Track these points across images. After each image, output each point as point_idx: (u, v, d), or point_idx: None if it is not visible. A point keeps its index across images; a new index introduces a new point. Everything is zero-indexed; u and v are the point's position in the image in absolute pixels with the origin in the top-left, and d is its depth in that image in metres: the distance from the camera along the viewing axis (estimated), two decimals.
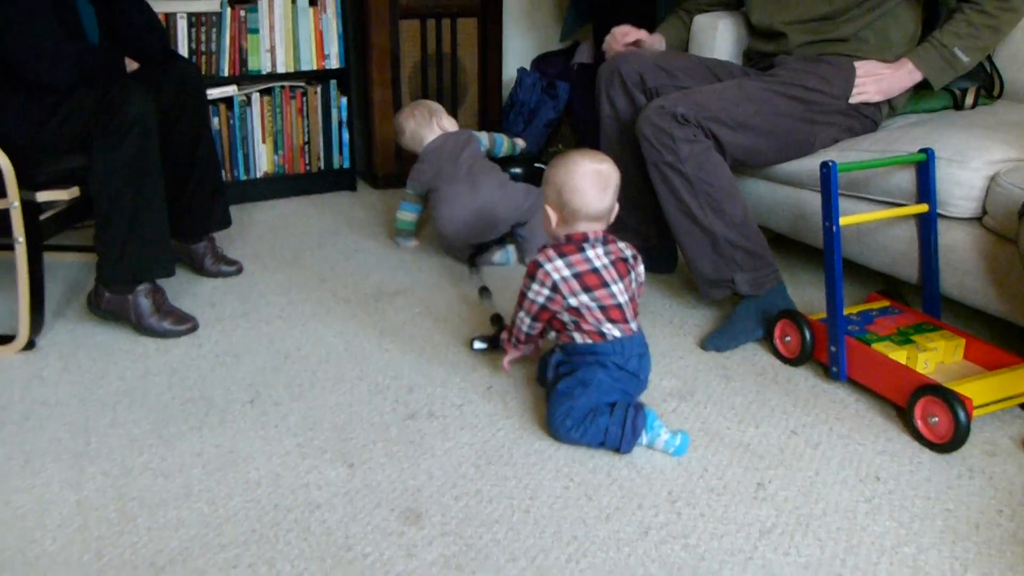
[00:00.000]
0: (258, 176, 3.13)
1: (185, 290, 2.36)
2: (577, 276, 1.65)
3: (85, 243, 2.58)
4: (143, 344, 2.09)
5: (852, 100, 2.13)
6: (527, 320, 1.73)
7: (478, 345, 2.04)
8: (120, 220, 2.04)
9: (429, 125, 2.67)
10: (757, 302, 2.07)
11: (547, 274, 1.65)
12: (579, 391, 1.65)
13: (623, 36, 2.37)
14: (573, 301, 1.65)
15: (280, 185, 3.17)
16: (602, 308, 1.65)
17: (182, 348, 2.08)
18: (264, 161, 3.12)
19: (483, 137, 2.71)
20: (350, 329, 2.17)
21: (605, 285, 1.66)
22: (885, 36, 2.16)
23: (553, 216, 1.69)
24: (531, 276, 1.68)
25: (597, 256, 1.67)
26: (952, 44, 2.05)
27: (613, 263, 1.68)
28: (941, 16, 2.18)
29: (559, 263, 1.66)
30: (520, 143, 2.82)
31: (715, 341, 2.06)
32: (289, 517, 1.48)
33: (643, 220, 2.34)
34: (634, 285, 1.73)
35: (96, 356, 2.03)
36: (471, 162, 2.58)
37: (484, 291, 2.34)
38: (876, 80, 2.12)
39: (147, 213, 2.06)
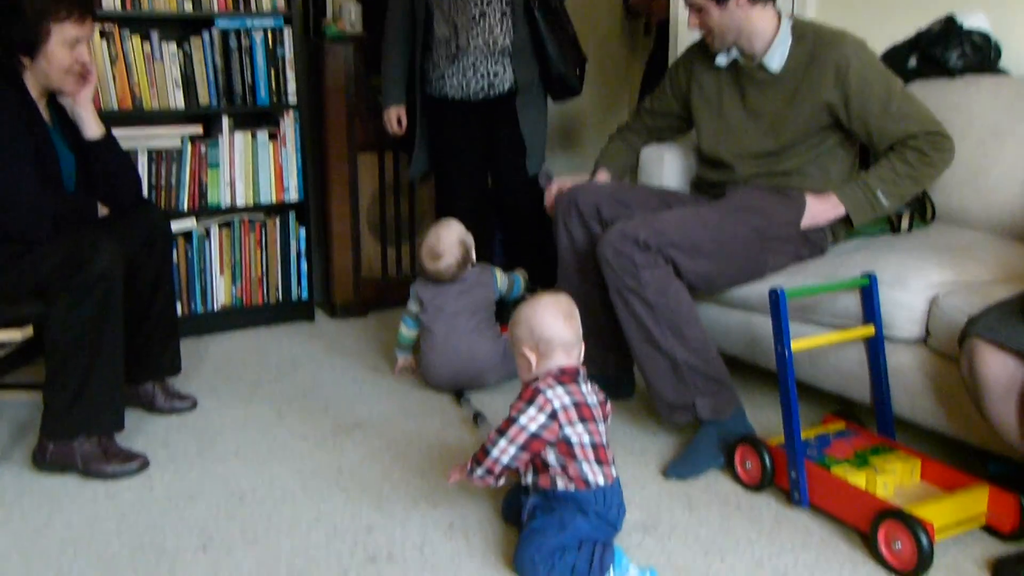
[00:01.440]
0: (215, 308, 3.12)
1: (137, 428, 2.31)
2: (576, 406, 1.63)
3: (37, 379, 2.52)
4: (91, 488, 2.02)
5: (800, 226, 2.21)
6: (511, 450, 1.61)
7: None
8: (73, 373, 2.01)
9: (466, 266, 2.57)
10: (717, 428, 2.08)
11: (548, 400, 1.61)
12: (553, 531, 1.62)
13: (565, 184, 2.45)
14: (569, 431, 1.61)
15: (237, 317, 3.16)
16: (593, 445, 1.64)
17: (133, 491, 2.01)
18: (221, 293, 3.12)
19: (500, 279, 2.63)
20: (307, 467, 2.13)
21: (595, 420, 1.65)
22: (826, 171, 2.27)
23: (531, 356, 1.68)
24: (529, 401, 1.62)
25: (589, 392, 1.69)
26: (876, 187, 2.17)
27: (598, 403, 1.70)
28: (871, 159, 2.31)
29: (560, 390, 1.63)
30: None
31: (677, 469, 2.06)
32: None
33: (602, 348, 2.37)
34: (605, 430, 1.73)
35: (41, 503, 1.96)
36: (466, 307, 2.53)
37: (479, 417, 2.33)
38: (805, 210, 2.21)
39: (102, 368, 2.04)
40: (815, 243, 2.24)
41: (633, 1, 3.92)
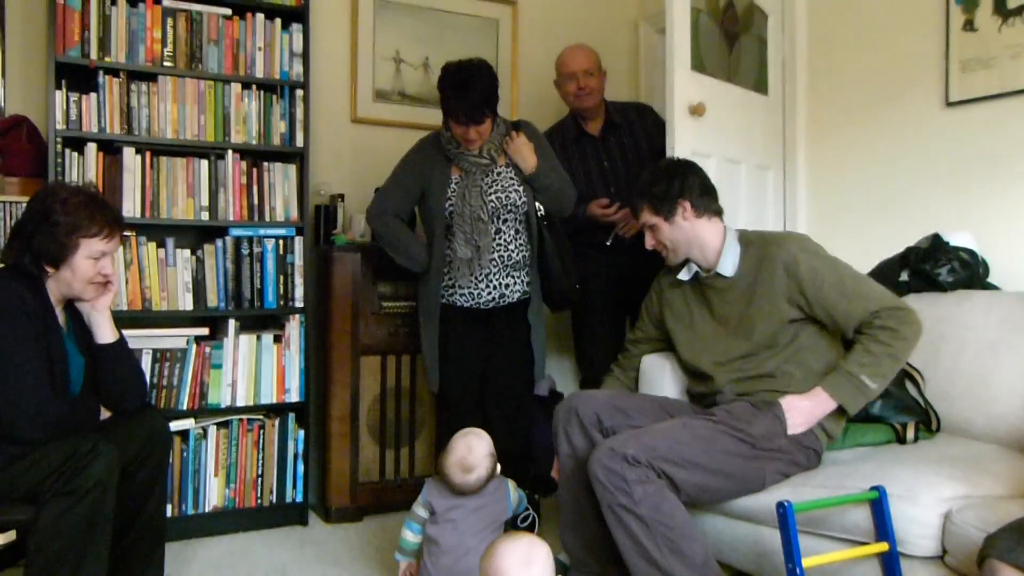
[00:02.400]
0: (207, 510, 3.03)
1: None
2: None
3: None
4: None
5: (789, 432, 2.19)
6: None
7: None
8: None
9: (492, 477, 2.44)
10: None
11: None
12: None
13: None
14: None
15: (229, 519, 3.06)
16: None
17: None
18: (214, 495, 3.04)
19: (513, 494, 2.49)
20: None
21: None
22: (808, 368, 2.28)
23: None
24: None
25: None
26: (858, 372, 2.18)
27: None
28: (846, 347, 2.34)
29: None
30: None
31: None
32: None
33: (603, 562, 2.28)
34: None
35: None
36: (478, 522, 2.39)
37: None
38: (797, 412, 2.21)
39: None
40: (809, 447, 2.22)
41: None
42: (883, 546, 1.94)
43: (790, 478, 2.20)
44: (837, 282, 2.23)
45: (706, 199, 2.40)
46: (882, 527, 1.95)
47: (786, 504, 1.82)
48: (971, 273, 2.60)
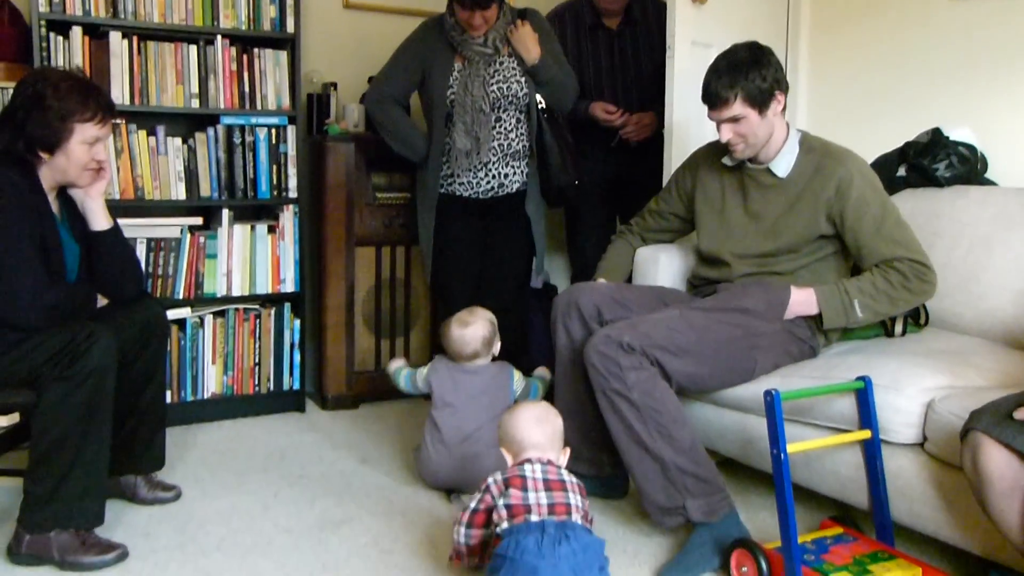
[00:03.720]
0: (205, 397, 3.09)
1: (117, 518, 2.25)
2: (505, 480, 1.81)
3: (20, 465, 2.47)
4: None
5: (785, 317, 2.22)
6: (462, 530, 1.86)
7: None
8: (56, 465, 1.98)
9: (488, 351, 2.54)
10: (711, 530, 2.03)
11: (485, 480, 1.84)
12: None
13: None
14: (498, 502, 1.78)
15: (227, 406, 3.13)
16: (507, 507, 1.76)
17: None
18: (212, 382, 3.10)
19: (517, 380, 2.56)
20: (291, 562, 2.07)
21: (524, 489, 1.77)
22: (819, 276, 2.30)
23: (507, 455, 1.90)
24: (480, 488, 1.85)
25: (532, 471, 1.82)
26: (854, 295, 2.19)
27: (546, 480, 1.80)
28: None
29: (498, 475, 1.84)
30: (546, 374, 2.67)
31: (671, 572, 2.01)
32: None
33: (596, 449, 2.34)
34: (572, 503, 1.78)
35: None
36: (478, 408, 2.45)
37: None
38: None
39: (87, 460, 2.01)
40: (804, 341, 2.25)
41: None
42: (866, 433, 1.99)
43: (779, 368, 2.24)
44: (879, 217, 2.21)
45: (787, 94, 2.29)
46: (866, 416, 2.00)
47: (774, 392, 1.86)
48: (969, 168, 2.59)
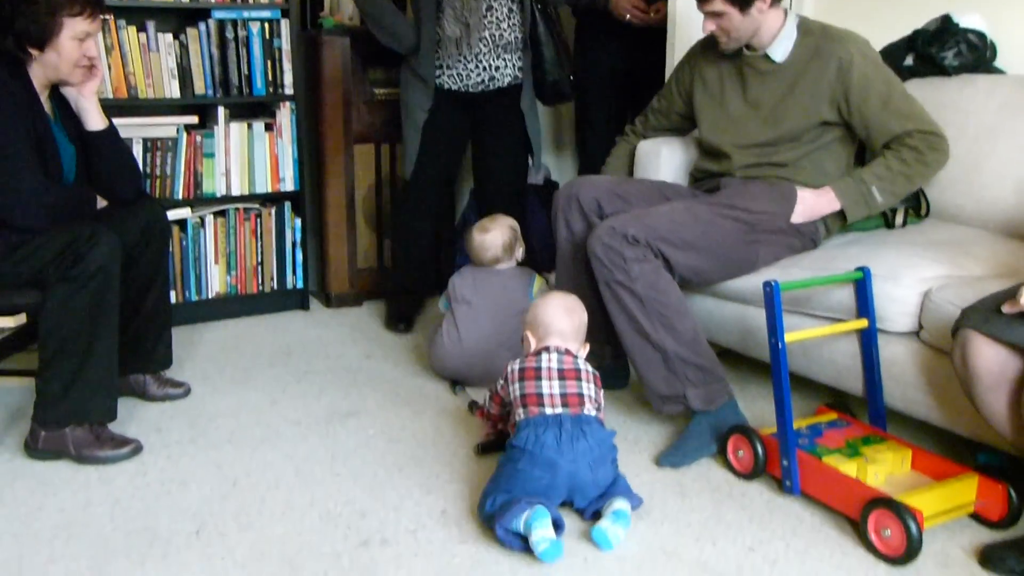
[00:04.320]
0: (210, 296, 3.12)
1: (129, 414, 2.31)
2: (520, 370, 1.89)
3: (30, 366, 2.52)
4: (85, 473, 2.02)
5: (792, 220, 2.22)
6: (487, 400, 2.06)
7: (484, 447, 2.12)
8: (68, 362, 2.02)
9: (510, 256, 2.59)
10: (709, 417, 2.09)
11: (506, 367, 1.94)
12: (491, 486, 1.78)
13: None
14: (511, 388, 1.89)
15: (232, 305, 3.16)
16: (522, 395, 1.84)
17: (126, 476, 2.01)
18: (216, 281, 3.12)
19: (538, 287, 2.57)
20: (301, 453, 2.14)
21: (537, 379, 1.85)
22: (820, 166, 2.28)
23: (531, 337, 1.97)
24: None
25: (548, 360, 1.88)
26: (871, 183, 2.18)
27: (561, 369, 1.86)
28: (867, 157, 2.33)
29: (516, 363, 1.93)
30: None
31: (669, 458, 2.07)
32: None
33: (597, 341, 2.38)
34: (585, 392, 1.84)
35: (34, 487, 1.96)
36: (496, 309, 2.49)
37: (474, 405, 2.35)
38: (802, 202, 2.23)
39: (97, 358, 2.04)
40: (806, 235, 2.26)
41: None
42: (862, 322, 2.02)
43: (780, 260, 2.25)
44: (884, 93, 2.18)
45: None
46: (864, 306, 2.02)
47: (773, 283, 1.88)
48: (978, 56, 2.53)
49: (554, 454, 1.74)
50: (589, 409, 1.82)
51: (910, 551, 1.64)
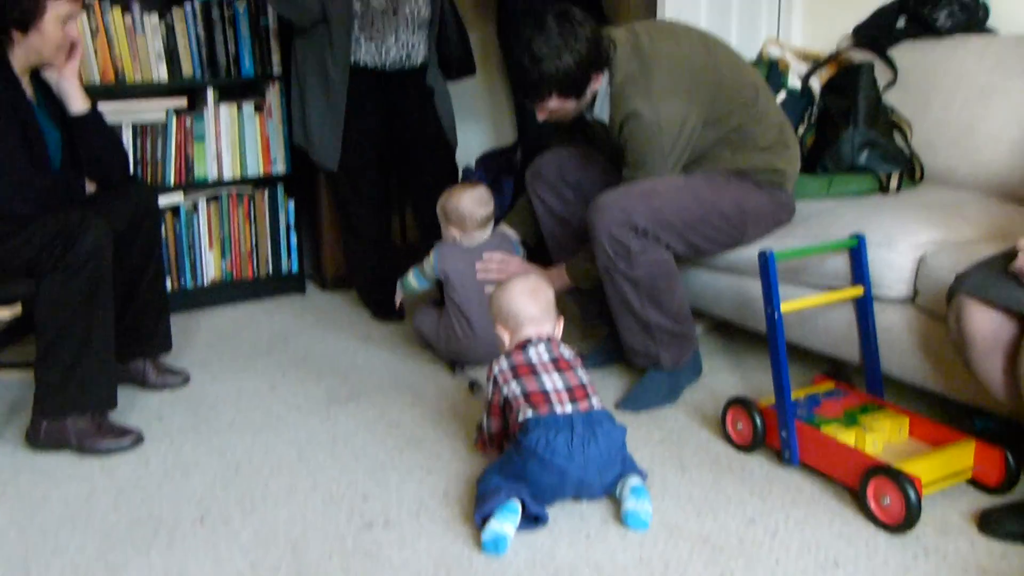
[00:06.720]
0: (205, 283, 3.11)
1: (130, 404, 2.31)
2: (512, 368, 1.82)
3: (26, 358, 2.52)
4: (87, 464, 2.03)
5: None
6: (486, 420, 1.91)
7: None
8: (64, 351, 2.01)
9: (492, 218, 2.52)
10: (672, 375, 2.23)
11: (491, 369, 1.86)
12: (492, 472, 1.77)
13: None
14: (506, 389, 1.80)
15: (228, 291, 3.16)
16: (525, 394, 1.77)
17: (129, 466, 2.02)
18: (211, 268, 3.11)
19: (519, 247, 2.56)
20: (302, 437, 2.14)
21: (535, 374, 1.80)
22: (722, 148, 2.20)
23: (504, 333, 1.91)
24: (487, 379, 1.88)
25: (537, 354, 1.84)
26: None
27: (553, 360, 1.83)
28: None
29: (503, 361, 1.85)
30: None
31: (629, 404, 2.23)
32: None
33: (582, 303, 2.51)
34: (585, 381, 1.81)
35: (37, 480, 1.97)
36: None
37: (475, 385, 2.35)
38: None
39: (94, 346, 2.04)
40: (788, 207, 2.27)
41: None
42: (858, 290, 2.02)
43: (772, 232, 2.25)
44: (633, 151, 2.12)
45: (603, 54, 2.06)
46: (859, 273, 2.02)
47: (768, 253, 1.88)
48: (970, 17, 2.51)
49: (564, 461, 1.69)
50: (596, 402, 1.79)
51: (909, 518, 1.65)
